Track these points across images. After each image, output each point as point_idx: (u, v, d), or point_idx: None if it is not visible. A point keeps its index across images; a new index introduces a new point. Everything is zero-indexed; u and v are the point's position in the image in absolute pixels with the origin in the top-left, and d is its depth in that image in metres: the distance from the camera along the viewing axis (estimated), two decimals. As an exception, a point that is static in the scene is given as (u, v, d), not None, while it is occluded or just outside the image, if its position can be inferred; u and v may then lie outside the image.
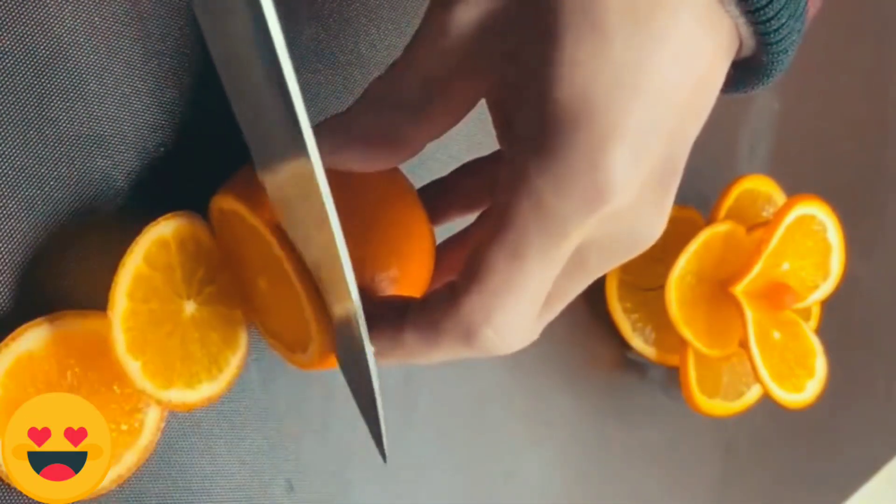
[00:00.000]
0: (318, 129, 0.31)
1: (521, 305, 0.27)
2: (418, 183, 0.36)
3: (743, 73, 0.29)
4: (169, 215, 0.33)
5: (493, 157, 0.35)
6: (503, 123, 0.31)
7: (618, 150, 0.25)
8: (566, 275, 0.28)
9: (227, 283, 0.35)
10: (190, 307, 0.34)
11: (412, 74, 0.29)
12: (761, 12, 0.26)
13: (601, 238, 0.27)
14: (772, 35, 0.27)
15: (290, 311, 0.32)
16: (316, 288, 0.31)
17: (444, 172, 0.36)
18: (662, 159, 0.26)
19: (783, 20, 0.26)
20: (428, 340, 0.29)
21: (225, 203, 0.33)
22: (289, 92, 0.26)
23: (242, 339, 0.35)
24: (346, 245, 0.31)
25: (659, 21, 0.25)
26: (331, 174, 0.31)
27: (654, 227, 0.28)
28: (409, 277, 0.33)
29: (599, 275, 0.29)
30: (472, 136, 0.41)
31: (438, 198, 0.35)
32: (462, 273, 0.28)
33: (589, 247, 0.28)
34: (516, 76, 0.27)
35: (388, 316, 0.30)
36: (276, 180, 0.30)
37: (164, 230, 0.33)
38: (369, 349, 0.30)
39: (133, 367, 0.32)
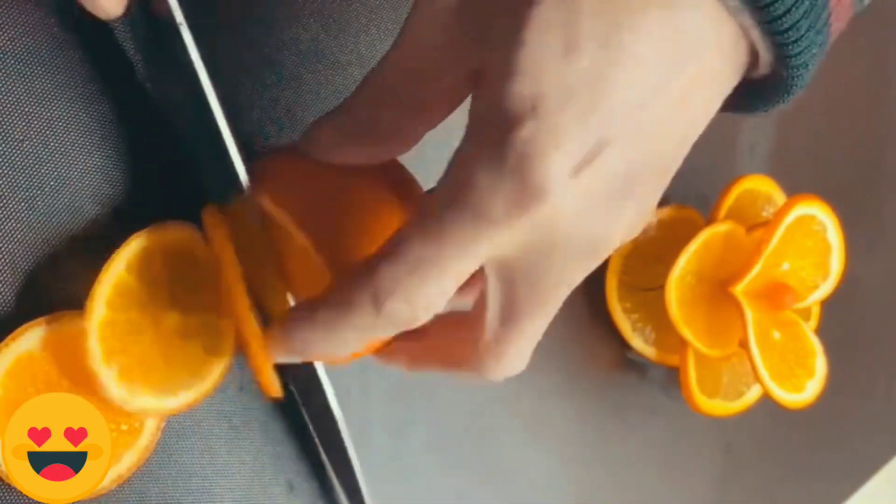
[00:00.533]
0: (315, 125, 0.31)
1: (432, 282, 0.27)
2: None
3: (761, 91, 0.28)
4: (154, 226, 0.33)
5: None
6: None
7: (556, 157, 0.24)
8: (522, 288, 0.28)
9: (218, 291, 0.35)
10: (173, 317, 0.34)
11: (402, 66, 0.29)
12: (778, 22, 0.25)
13: (538, 241, 0.26)
14: (790, 47, 0.26)
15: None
16: (253, 314, 0.32)
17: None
18: (619, 170, 0.26)
19: (802, 31, 0.25)
20: (338, 312, 0.28)
21: (205, 218, 0.33)
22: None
23: (228, 348, 0.35)
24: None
25: (631, 30, 0.24)
26: (324, 170, 0.31)
27: (599, 241, 0.27)
28: None
29: (560, 293, 0.28)
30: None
31: None
32: (384, 243, 0.28)
33: (525, 249, 0.27)
34: (486, 62, 0.26)
35: (309, 301, 0.30)
36: None
37: (148, 241, 0.33)
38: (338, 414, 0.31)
39: (107, 375, 0.32)
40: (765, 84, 0.28)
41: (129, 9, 0.29)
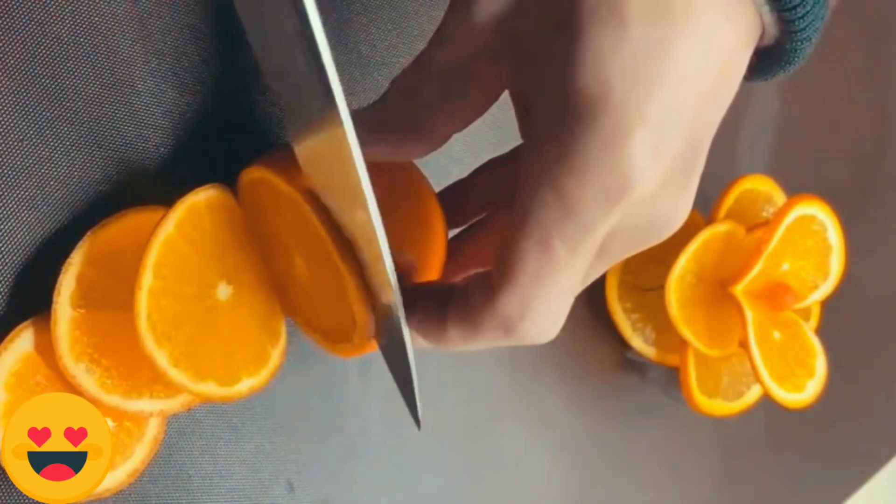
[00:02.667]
0: None
1: (554, 297, 0.28)
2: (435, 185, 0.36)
3: (765, 61, 0.29)
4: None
5: (513, 154, 0.35)
6: (524, 114, 0.32)
7: (638, 138, 0.25)
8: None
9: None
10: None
11: (437, 66, 0.29)
12: (789, 1, 0.26)
13: (625, 225, 0.27)
14: (797, 22, 0.27)
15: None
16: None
17: (465, 173, 0.37)
18: (685, 146, 0.27)
19: (808, 7, 0.26)
20: (468, 334, 0.29)
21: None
22: (321, 58, 0.26)
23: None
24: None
25: (679, 9, 0.25)
26: None
27: (677, 213, 0.28)
28: (425, 264, 0.33)
29: (622, 259, 0.30)
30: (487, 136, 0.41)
31: (461, 198, 0.36)
32: (495, 268, 0.28)
33: (612, 233, 0.28)
34: (537, 66, 0.27)
35: (430, 306, 0.30)
36: (309, 150, 0.29)
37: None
38: (406, 332, 0.30)
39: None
40: (766, 55, 0.29)
41: None
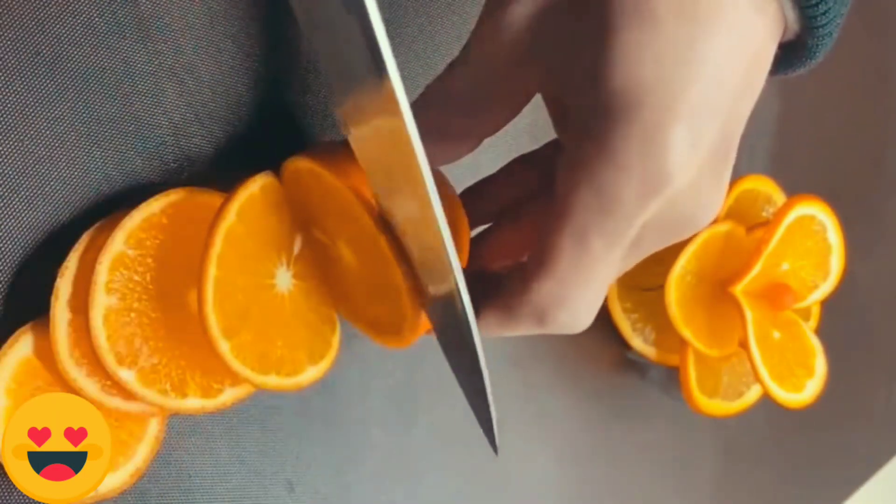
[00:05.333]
0: None
1: (589, 288, 0.28)
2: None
3: (787, 55, 0.29)
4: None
5: (544, 149, 0.35)
6: (559, 114, 0.32)
7: (675, 133, 0.26)
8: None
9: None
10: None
11: (469, 71, 0.30)
12: None
13: (659, 218, 0.28)
14: (818, 19, 0.27)
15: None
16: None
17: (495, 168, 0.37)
18: (719, 139, 0.27)
19: (829, 4, 0.27)
20: (505, 322, 0.30)
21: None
22: (375, 35, 0.25)
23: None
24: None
25: (709, 4, 0.25)
26: None
27: (711, 204, 0.28)
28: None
29: (654, 251, 0.30)
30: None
31: (492, 192, 0.36)
32: (531, 259, 0.29)
33: (646, 226, 0.28)
34: (571, 67, 0.27)
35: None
36: (363, 130, 0.29)
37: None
38: (474, 326, 0.30)
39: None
40: (788, 50, 0.29)
41: None
